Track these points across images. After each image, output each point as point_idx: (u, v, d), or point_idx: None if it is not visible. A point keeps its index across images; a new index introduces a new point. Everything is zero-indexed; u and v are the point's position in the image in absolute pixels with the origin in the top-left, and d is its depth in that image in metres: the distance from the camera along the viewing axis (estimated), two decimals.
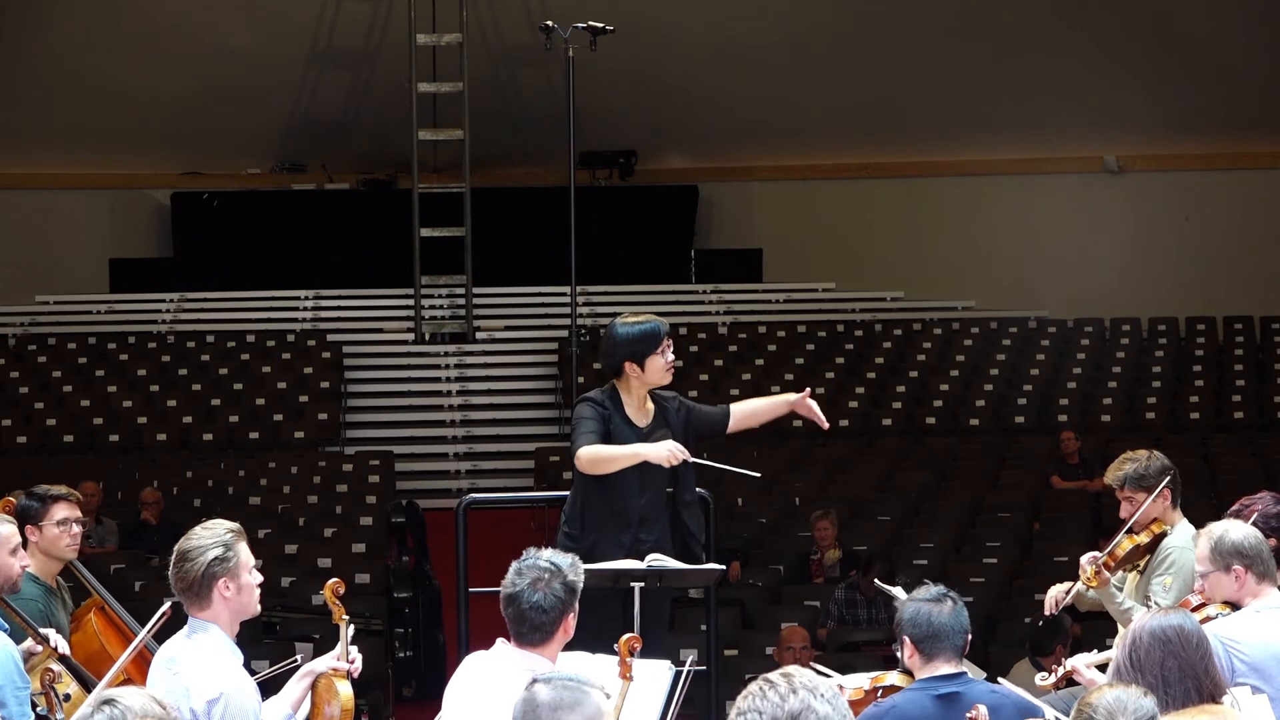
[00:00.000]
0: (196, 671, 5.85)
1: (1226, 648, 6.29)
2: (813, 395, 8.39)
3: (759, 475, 8.50)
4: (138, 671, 7.03)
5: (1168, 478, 8.10)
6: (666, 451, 7.92)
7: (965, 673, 6.22)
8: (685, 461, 8.11)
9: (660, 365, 8.12)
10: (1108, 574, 7.95)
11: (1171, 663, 5.15)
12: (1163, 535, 8.08)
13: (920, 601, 6.21)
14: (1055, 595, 8.19)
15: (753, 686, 4.08)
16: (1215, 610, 6.74)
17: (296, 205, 24.65)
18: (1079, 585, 8.04)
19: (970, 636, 6.26)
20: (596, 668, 5.92)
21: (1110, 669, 5.43)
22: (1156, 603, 7.79)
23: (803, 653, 11.69)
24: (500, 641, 6.03)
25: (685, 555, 8.04)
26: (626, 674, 5.78)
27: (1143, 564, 8.15)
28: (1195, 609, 6.85)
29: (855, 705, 6.60)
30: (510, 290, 23.35)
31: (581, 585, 6.02)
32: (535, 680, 4.29)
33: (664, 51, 23.25)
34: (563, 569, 5.97)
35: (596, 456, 8.00)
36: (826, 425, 8.34)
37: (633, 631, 6.49)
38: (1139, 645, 5.20)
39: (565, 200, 12.71)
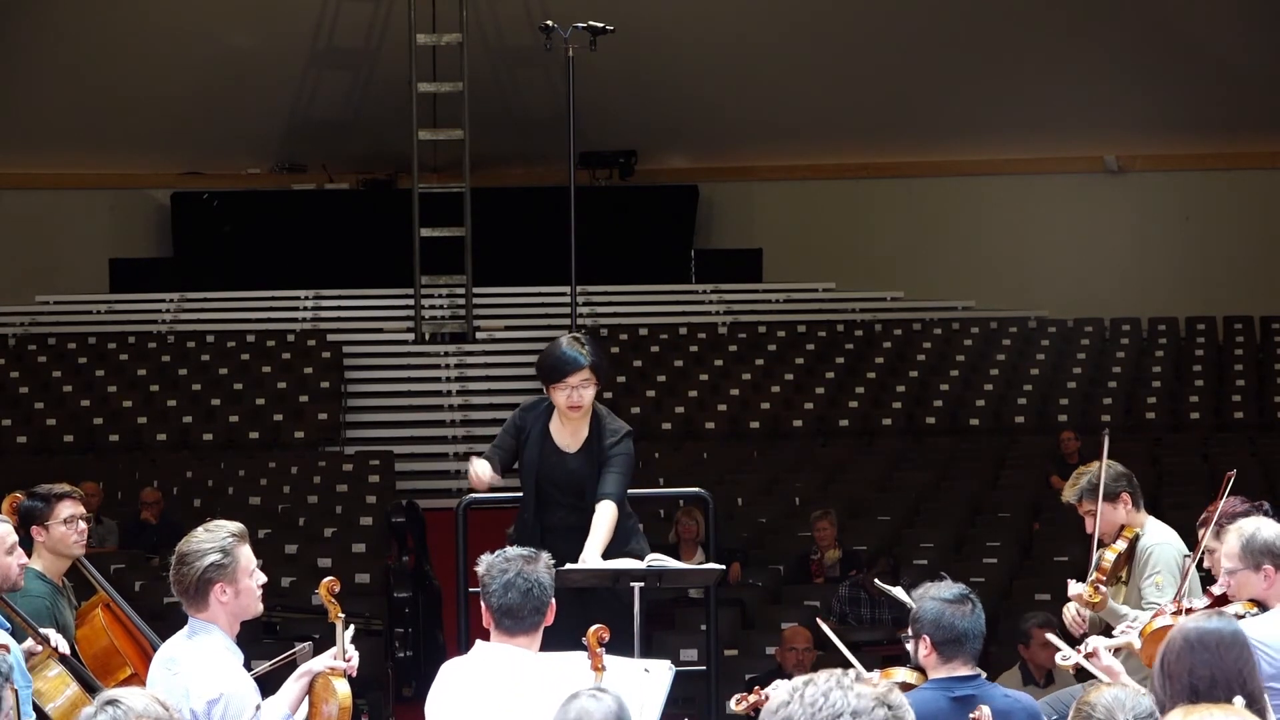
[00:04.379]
0: (196, 672, 5.84)
1: (1255, 650, 6.21)
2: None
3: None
4: (142, 665, 7.04)
5: (1124, 483, 8.03)
6: (472, 471, 7.93)
7: (981, 675, 6.18)
8: (598, 469, 7.95)
9: (560, 399, 7.90)
10: (1105, 589, 7.89)
11: (1203, 671, 4.78)
12: (1136, 539, 8.03)
13: (942, 602, 6.12)
14: (1073, 619, 7.99)
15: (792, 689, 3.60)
16: (1242, 609, 6.57)
17: (296, 205, 24.65)
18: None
19: (985, 637, 6.22)
20: (581, 666, 5.89)
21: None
22: (1155, 603, 7.74)
23: (805, 653, 11.67)
24: (479, 642, 6.03)
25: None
26: (598, 665, 5.77)
27: (1124, 574, 8.11)
28: (1218, 600, 6.78)
29: None
30: (510, 290, 23.34)
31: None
32: (579, 695, 4.17)
33: (664, 51, 23.23)
34: (540, 555, 6.00)
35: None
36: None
37: (632, 633, 6.48)
38: (1170, 650, 4.82)
39: (565, 200, 12.73)
